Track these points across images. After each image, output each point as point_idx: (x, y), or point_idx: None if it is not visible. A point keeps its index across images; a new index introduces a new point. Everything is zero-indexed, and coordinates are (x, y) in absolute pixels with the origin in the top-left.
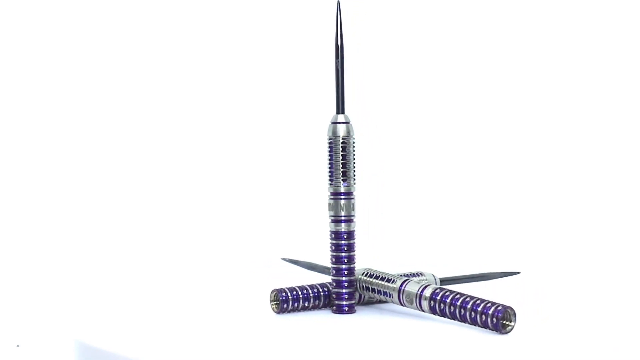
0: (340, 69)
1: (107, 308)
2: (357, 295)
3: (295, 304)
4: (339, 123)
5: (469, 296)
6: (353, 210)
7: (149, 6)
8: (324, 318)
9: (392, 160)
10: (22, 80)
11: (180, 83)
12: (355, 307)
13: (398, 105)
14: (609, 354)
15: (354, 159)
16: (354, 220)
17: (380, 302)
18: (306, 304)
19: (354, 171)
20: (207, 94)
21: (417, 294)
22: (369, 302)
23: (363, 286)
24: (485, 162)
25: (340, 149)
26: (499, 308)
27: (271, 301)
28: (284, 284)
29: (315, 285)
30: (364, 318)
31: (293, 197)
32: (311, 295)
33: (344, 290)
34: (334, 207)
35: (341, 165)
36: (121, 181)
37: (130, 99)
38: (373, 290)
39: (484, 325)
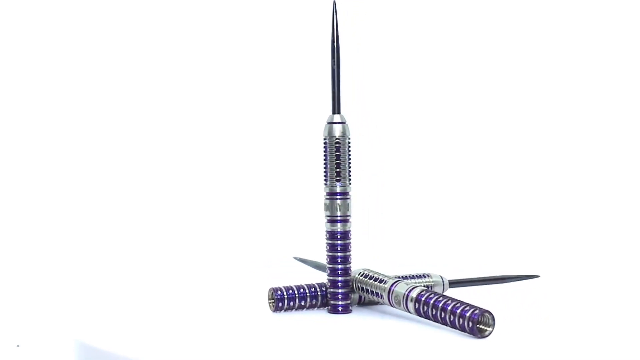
0: (336, 70)
1: (107, 308)
2: (356, 296)
3: (291, 303)
4: (335, 123)
5: (450, 299)
6: (349, 210)
7: (148, 6)
8: (318, 318)
9: (392, 160)
10: (22, 81)
11: (176, 84)
12: (352, 308)
13: (399, 105)
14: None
15: (349, 159)
16: (350, 220)
17: (379, 303)
18: (302, 303)
19: (349, 171)
20: (207, 94)
21: (404, 294)
22: (370, 303)
23: (359, 286)
24: (485, 162)
25: (335, 149)
26: (476, 312)
27: (269, 299)
28: (290, 283)
29: (313, 284)
30: (358, 319)
31: (300, 196)
32: (308, 294)
33: (339, 291)
34: (330, 207)
35: (335, 165)
36: (121, 181)
37: (129, 99)
38: (367, 290)
39: (462, 329)
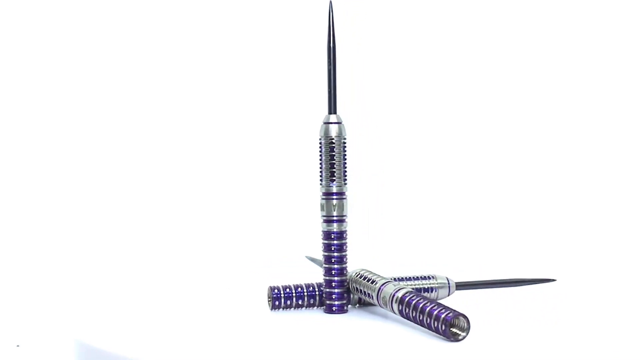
0: (332, 70)
1: (107, 308)
2: (357, 297)
3: (288, 302)
4: (330, 123)
5: (429, 301)
6: (345, 210)
7: (147, 6)
8: (314, 317)
9: (393, 160)
10: (22, 81)
11: (173, 84)
12: (350, 308)
13: (400, 105)
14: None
15: (345, 159)
16: (346, 220)
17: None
18: (300, 302)
19: (344, 171)
20: (205, 94)
21: (391, 295)
22: (369, 304)
23: (354, 287)
24: (484, 161)
25: (329, 149)
26: (449, 314)
27: (268, 298)
28: (297, 282)
29: (311, 284)
30: (353, 319)
31: (299, 196)
32: (305, 294)
33: (334, 290)
34: (325, 207)
35: (330, 165)
36: (120, 182)
37: (129, 99)
38: (361, 291)
39: (436, 331)
